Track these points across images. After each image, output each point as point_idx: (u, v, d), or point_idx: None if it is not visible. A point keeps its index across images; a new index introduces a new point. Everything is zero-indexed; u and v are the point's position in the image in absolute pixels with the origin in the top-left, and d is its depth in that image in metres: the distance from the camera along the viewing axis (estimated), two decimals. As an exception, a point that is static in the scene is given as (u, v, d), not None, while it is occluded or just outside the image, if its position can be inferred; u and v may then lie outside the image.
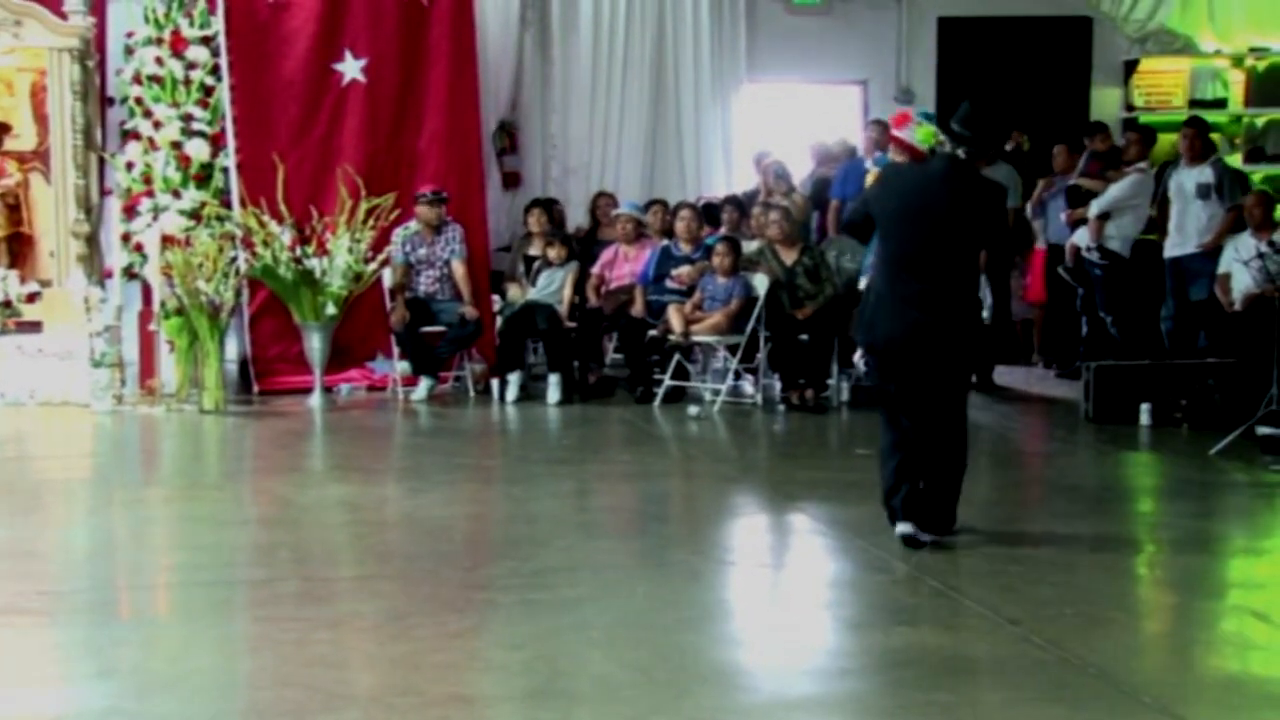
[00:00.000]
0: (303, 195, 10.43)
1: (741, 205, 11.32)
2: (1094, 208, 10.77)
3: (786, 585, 5.80)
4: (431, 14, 10.80)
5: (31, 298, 10.36)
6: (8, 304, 10.24)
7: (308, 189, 10.50)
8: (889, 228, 6.03)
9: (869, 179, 6.99)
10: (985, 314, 11.57)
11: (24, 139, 10.89)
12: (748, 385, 10.35)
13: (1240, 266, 9.34)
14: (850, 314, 9.56)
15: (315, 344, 10.17)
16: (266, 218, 10.19)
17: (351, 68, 10.69)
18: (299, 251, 10.14)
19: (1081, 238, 10.93)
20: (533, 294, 10.59)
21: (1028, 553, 5.95)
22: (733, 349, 9.99)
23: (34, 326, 10.16)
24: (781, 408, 9.92)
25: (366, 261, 10.27)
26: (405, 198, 10.58)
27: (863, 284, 6.58)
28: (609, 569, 5.73)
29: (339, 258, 10.09)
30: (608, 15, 12.47)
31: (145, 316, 10.05)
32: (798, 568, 6.12)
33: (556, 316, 10.38)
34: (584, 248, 11.18)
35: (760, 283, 9.96)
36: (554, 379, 10.21)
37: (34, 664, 4.55)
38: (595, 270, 10.80)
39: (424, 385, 10.39)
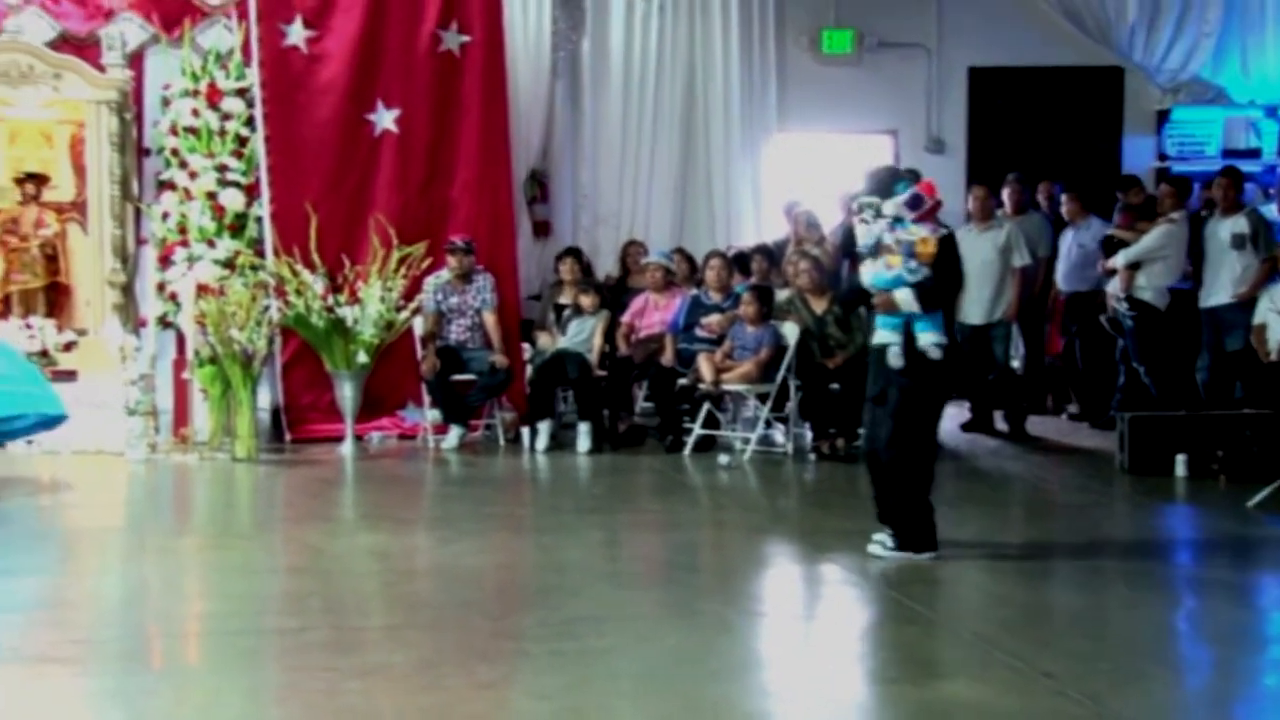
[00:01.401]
0: (335, 244, 10.49)
1: (771, 254, 11.33)
2: (1121, 258, 10.73)
3: (818, 636, 5.76)
4: (463, 65, 10.89)
5: (68, 346, 10.43)
6: (45, 353, 10.31)
7: (340, 238, 10.56)
8: None
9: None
10: (1016, 363, 11.60)
11: (62, 190, 11.01)
12: (778, 434, 10.33)
13: (1275, 317, 9.27)
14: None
15: (347, 392, 10.21)
16: (299, 267, 10.26)
17: (384, 118, 10.78)
18: (331, 300, 10.20)
19: (1114, 288, 10.90)
20: (563, 342, 10.62)
21: (1063, 604, 5.90)
22: (763, 398, 9.98)
23: (70, 375, 10.22)
24: (812, 457, 9.89)
25: (398, 310, 10.32)
26: (437, 246, 10.63)
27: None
28: (639, 619, 5.70)
29: (371, 306, 10.14)
30: (638, 65, 12.56)
31: (179, 365, 10.12)
32: (829, 619, 6.08)
33: (587, 365, 10.40)
34: (614, 296, 11.21)
35: (790, 332, 9.96)
36: (584, 427, 10.21)
37: (66, 713, 4.55)
38: (625, 319, 10.81)
39: (454, 434, 10.41)
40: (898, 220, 6.51)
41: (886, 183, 6.67)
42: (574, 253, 11.37)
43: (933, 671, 4.97)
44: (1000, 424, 11.02)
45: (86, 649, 5.22)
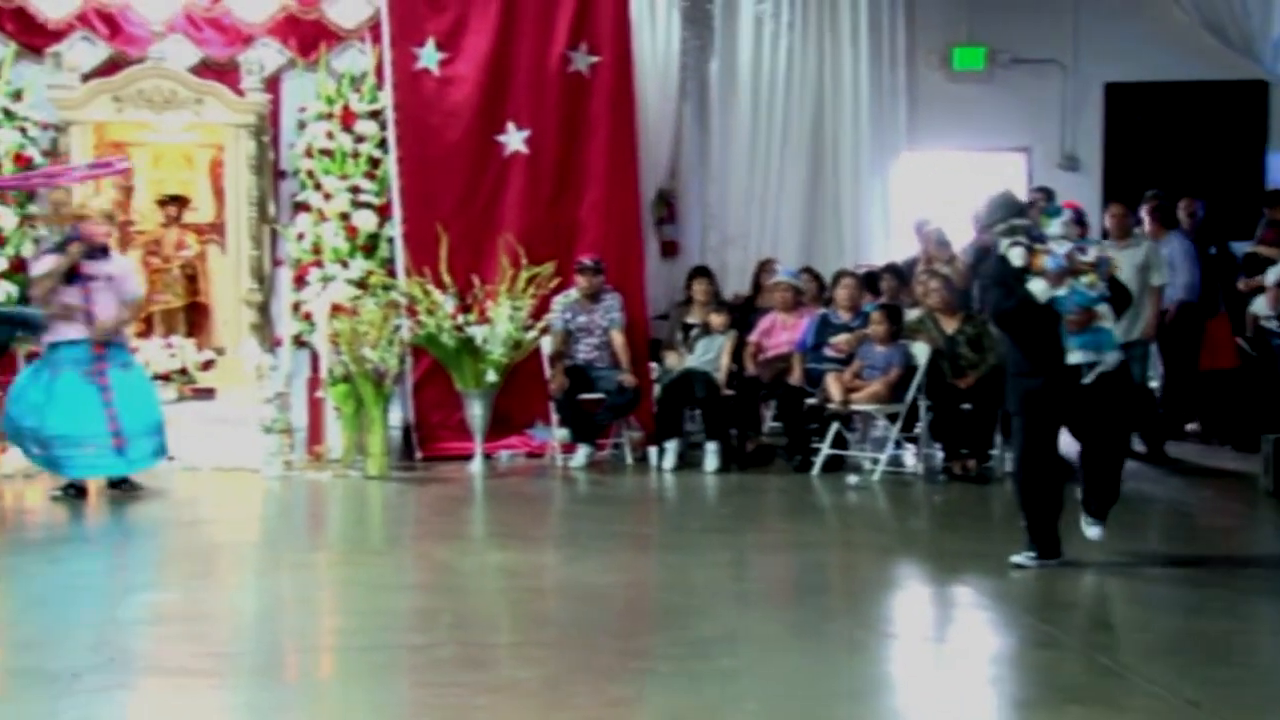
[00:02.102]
0: (465, 264, 10.59)
1: (901, 273, 11.21)
2: (1271, 275, 10.44)
3: (950, 659, 5.65)
4: (592, 85, 10.95)
5: (207, 365, 10.67)
6: (184, 371, 10.56)
7: (470, 258, 10.66)
8: None
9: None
10: (1155, 384, 11.34)
11: (202, 212, 11.27)
12: (908, 455, 10.20)
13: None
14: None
15: (476, 411, 10.29)
16: (430, 286, 10.37)
17: (514, 139, 10.87)
18: (461, 319, 10.29)
19: (1260, 307, 10.60)
20: (691, 362, 10.60)
21: (1205, 630, 5.73)
22: (892, 418, 9.87)
23: (208, 393, 10.45)
24: (943, 478, 9.76)
25: (526, 329, 10.38)
26: (565, 266, 10.69)
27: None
28: (767, 640, 5.65)
29: (500, 325, 10.22)
30: (766, 85, 12.52)
31: (313, 384, 10.29)
32: (962, 642, 5.97)
33: (714, 384, 10.37)
34: (742, 315, 11.17)
35: (921, 351, 9.84)
36: (711, 447, 10.18)
37: (202, 724, 4.63)
38: (753, 338, 10.77)
39: (582, 452, 10.44)
40: (1071, 240, 6.61)
41: (1017, 205, 6.70)
42: (706, 273, 11.35)
43: (1070, 697, 4.85)
44: (1138, 445, 10.77)
45: (223, 662, 5.31)
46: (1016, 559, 6.80)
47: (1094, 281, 6.62)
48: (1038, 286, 6.65)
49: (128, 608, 6.19)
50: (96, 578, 6.89)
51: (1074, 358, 6.66)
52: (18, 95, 10.65)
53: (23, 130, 10.60)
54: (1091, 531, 6.92)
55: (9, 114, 10.56)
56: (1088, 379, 6.60)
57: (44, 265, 8.82)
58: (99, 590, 6.58)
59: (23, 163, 10.45)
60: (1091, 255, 6.65)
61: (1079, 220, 6.64)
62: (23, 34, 10.77)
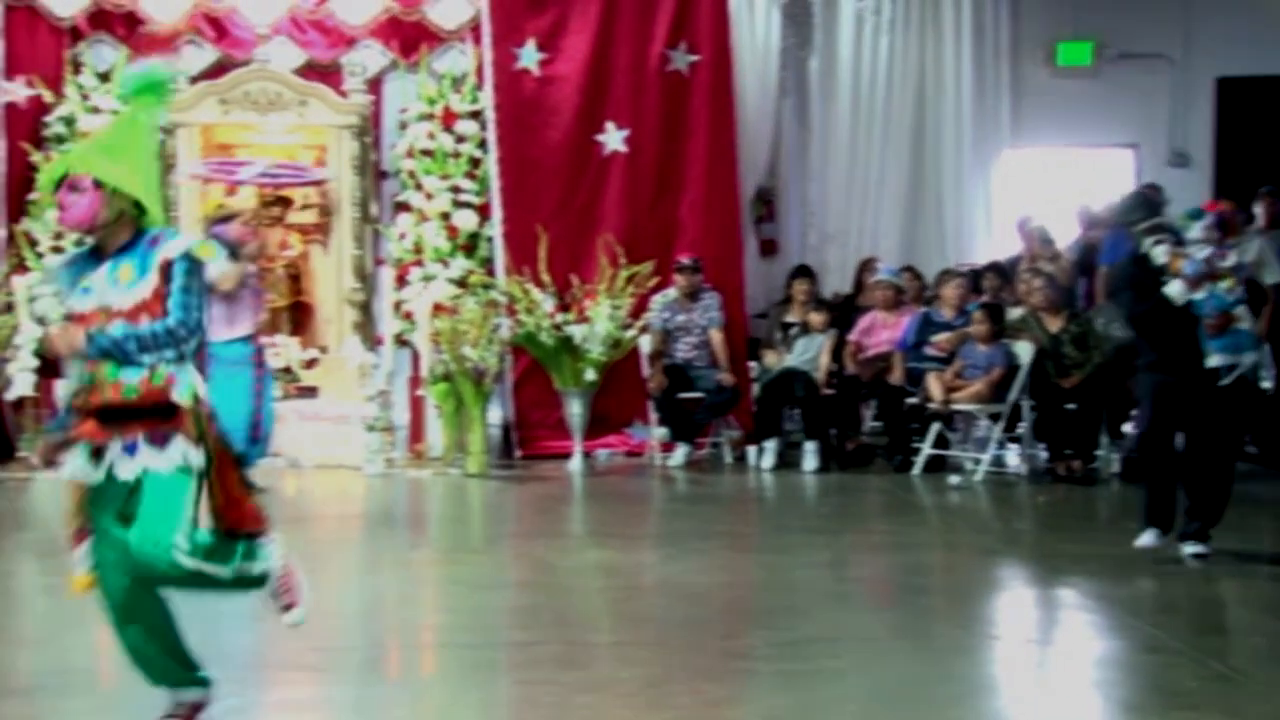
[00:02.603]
0: (564, 263, 10.63)
1: (1004, 271, 11.08)
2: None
3: (1055, 663, 5.58)
4: (692, 84, 10.94)
5: (310, 364, 10.79)
6: (288, 370, 10.69)
7: (569, 257, 10.70)
8: None
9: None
10: (1268, 384, 11.08)
11: (305, 212, 11.40)
12: (1011, 455, 10.08)
13: None
14: (1120, 383, 9.26)
15: (575, 410, 10.32)
16: (529, 285, 10.42)
17: (613, 138, 10.89)
18: (560, 319, 10.33)
19: None
20: (790, 361, 10.56)
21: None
22: (995, 418, 9.75)
23: (311, 391, 10.57)
24: (1047, 479, 9.63)
25: (625, 328, 10.39)
26: (664, 265, 10.69)
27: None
28: (869, 641, 5.62)
29: (599, 324, 10.24)
30: (867, 82, 12.41)
31: (414, 382, 10.38)
32: (1067, 645, 5.89)
33: (814, 383, 10.32)
34: (842, 314, 11.10)
35: (1024, 350, 9.72)
36: (811, 446, 10.13)
37: (312, 719, 4.68)
38: (853, 337, 10.69)
39: (681, 451, 10.44)
40: (1211, 244, 6.59)
41: (1155, 203, 6.65)
42: (806, 272, 11.29)
43: (1180, 703, 4.76)
44: (1250, 447, 10.54)
45: (328, 658, 5.37)
46: (1140, 542, 6.77)
47: (1232, 285, 6.58)
48: (1174, 289, 6.58)
49: (233, 602, 6.27)
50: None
51: (1213, 361, 6.60)
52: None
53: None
54: (1192, 549, 6.82)
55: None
56: (1226, 380, 6.53)
57: (223, 267, 8.79)
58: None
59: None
60: (1231, 260, 6.58)
61: (1223, 223, 6.56)
62: (133, 38, 10.97)
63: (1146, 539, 6.84)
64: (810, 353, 10.54)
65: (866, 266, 11.64)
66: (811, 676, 5.02)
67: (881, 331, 10.64)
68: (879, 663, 5.26)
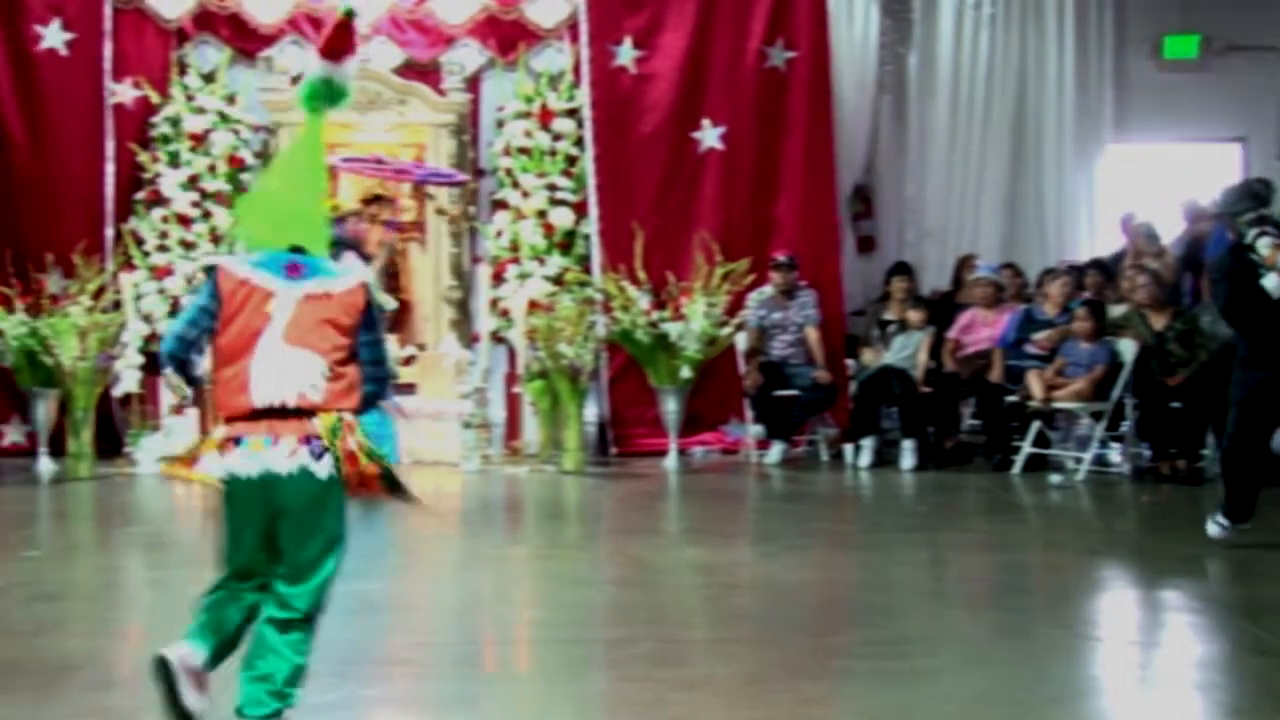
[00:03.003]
0: (660, 260, 10.64)
1: (1106, 268, 10.92)
2: None
3: (1159, 665, 5.48)
4: (789, 80, 10.91)
5: (408, 361, 10.88)
6: (386, 367, 10.77)
7: (665, 254, 10.71)
8: None
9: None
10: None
11: (409, 214, 11.50)
12: (1114, 454, 9.93)
13: None
14: (1226, 380, 9.07)
15: (671, 407, 10.32)
16: (625, 283, 10.43)
17: (710, 135, 10.88)
18: (656, 316, 10.33)
19: None
20: (887, 358, 10.48)
21: None
22: (1097, 416, 9.61)
23: (409, 389, 10.66)
24: (1150, 479, 9.47)
25: (721, 326, 10.37)
26: (760, 263, 10.66)
27: None
28: (967, 640, 5.55)
29: (694, 322, 10.23)
30: (967, 77, 12.29)
31: (510, 379, 10.44)
32: (1171, 646, 5.78)
33: (911, 381, 10.23)
34: (940, 311, 11.00)
35: (1127, 348, 9.57)
36: (908, 444, 10.05)
37: (410, 714, 4.73)
38: (952, 334, 10.59)
39: (777, 449, 10.40)
40: None
41: (1261, 195, 6.53)
42: (905, 269, 11.21)
43: (1287, 708, 4.67)
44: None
45: (426, 652, 5.42)
46: (1211, 529, 6.79)
47: None
48: (1271, 282, 6.46)
49: (334, 596, 6.35)
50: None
51: None
52: (231, 99, 11.03)
53: (236, 133, 10.97)
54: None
55: (224, 117, 10.94)
56: None
57: (361, 269, 8.89)
58: (306, 579, 6.76)
59: (236, 164, 10.80)
60: None
61: None
62: (237, 39, 11.14)
63: (1217, 529, 6.89)
64: (908, 350, 10.46)
65: (965, 263, 11.52)
66: (908, 676, 4.97)
67: (981, 329, 10.53)
68: (977, 663, 5.20)
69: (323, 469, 4.13)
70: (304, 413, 4.09)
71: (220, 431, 4.19)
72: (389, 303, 9.99)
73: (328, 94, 4.42)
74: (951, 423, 10.60)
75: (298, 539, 4.24)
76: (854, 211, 12.16)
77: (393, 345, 10.89)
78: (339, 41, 4.43)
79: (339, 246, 8.85)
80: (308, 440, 4.10)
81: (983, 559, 7.38)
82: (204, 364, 4.36)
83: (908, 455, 10.04)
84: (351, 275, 4.30)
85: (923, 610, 6.05)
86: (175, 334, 4.22)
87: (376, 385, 4.31)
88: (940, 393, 10.37)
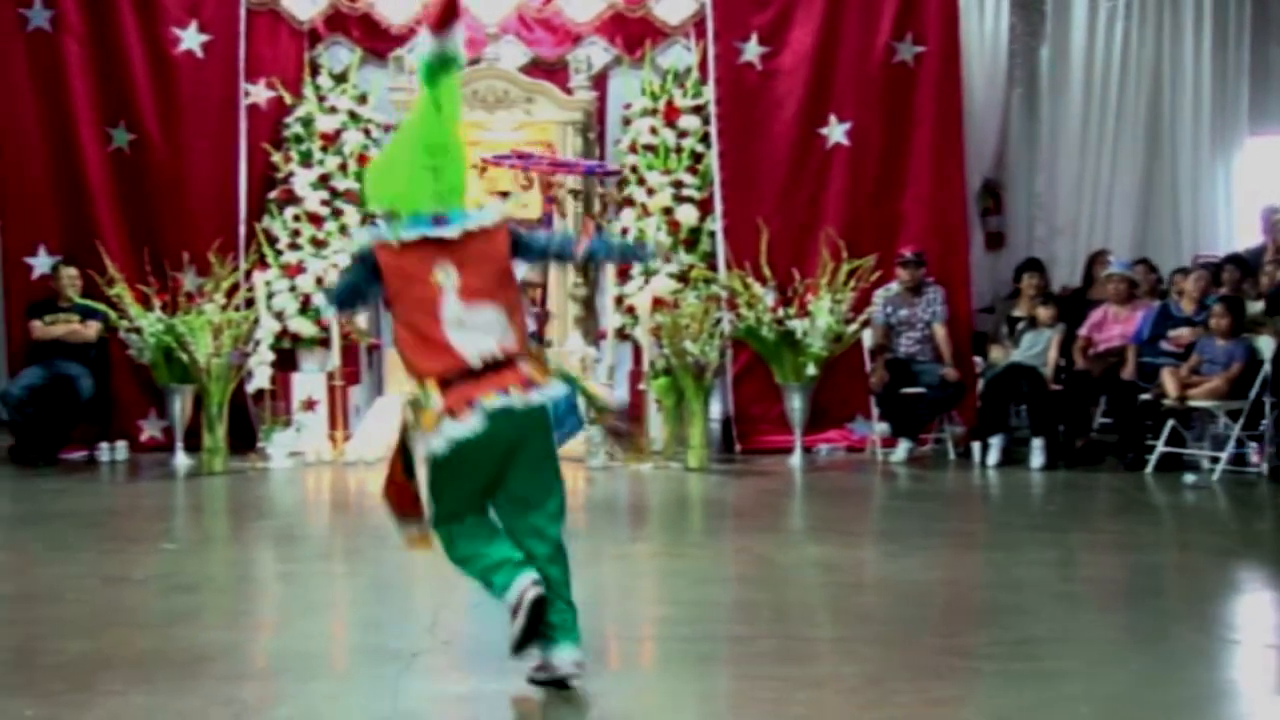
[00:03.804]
0: (785, 257, 10.60)
1: (1245, 264, 10.65)
2: None
3: (1299, 671, 5.34)
4: (917, 75, 10.79)
5: (534, 357, 10.95)
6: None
7: (790, 251, 10.66)
8: None
9: None
10: None
11: (531, 208, 11.59)
12: (1252, 454, 9.68)
13: None
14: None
15: (796, 404, 10.27)
16: (750, 280, 10.40)
17: (836, 131, 10.81)
18: (781, 313, 10.29)
19: None
20: (1016, 356, 10.33)
21: None
22: (1234, 415, 9.38)
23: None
24: (1291, 479, 9.24)
25: (847, 323, 10.30)
26: (886, 259, 10.56)
27: None
28: (1099, 642, 5.44)
29: (820, 319, 10.17)
30: (1100, 70, 12.06)
31: (635, 376, 10.46)
32: (1312, 653, 5.63)
33: (1041, 379, 10.08)
34: (1071, 308, 10.81)
35: (1266, 345, 9.32)
36: (1038, 443, 9.90)
37: (535, 708, 4.75)
38: (1083, 331, 10.41)
39: (903, 447, 10.31)
40: None
41: None
42: (1037, 266, 11.04)
43: None
44: None
45: (549, 646, 5.43)
46: None
47: None
48: None
49: (460, 592, 6.40)
50: (431, 563, 7.14)
51: None
52: (363, 99, 11.20)
53: (366, 132, 11.14)
54: None
55: (354, 116, 11.11)
56: None
57: (524, 269, 8.98)
58: (434, 575, 6.80)
59: (366, 163, 10.95)
60: None
61: None
62: (367, 39, 11.31)
63: None
64: (1037, 347, 10.29)
65: (1098, 259, 11.32)
66: (1039, 678, 4.89)
67: (1113, 326, 10.34)
68: (1110, 665, 5.10)
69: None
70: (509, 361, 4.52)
71: (436, 401, 4.46)
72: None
73: (441, 64, 4.69)
74: (1082, 421, 10.41)
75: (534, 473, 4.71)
76: (983, 207, 12.01)
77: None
78: (444, 13, 4.66)
79: None
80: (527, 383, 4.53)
81: (1115, 560, 7.24)
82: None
83: (1037, 454, 9.88)
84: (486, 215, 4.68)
85: (1053, 611, 5.95)
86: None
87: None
88: (1071, 391, 10.19)
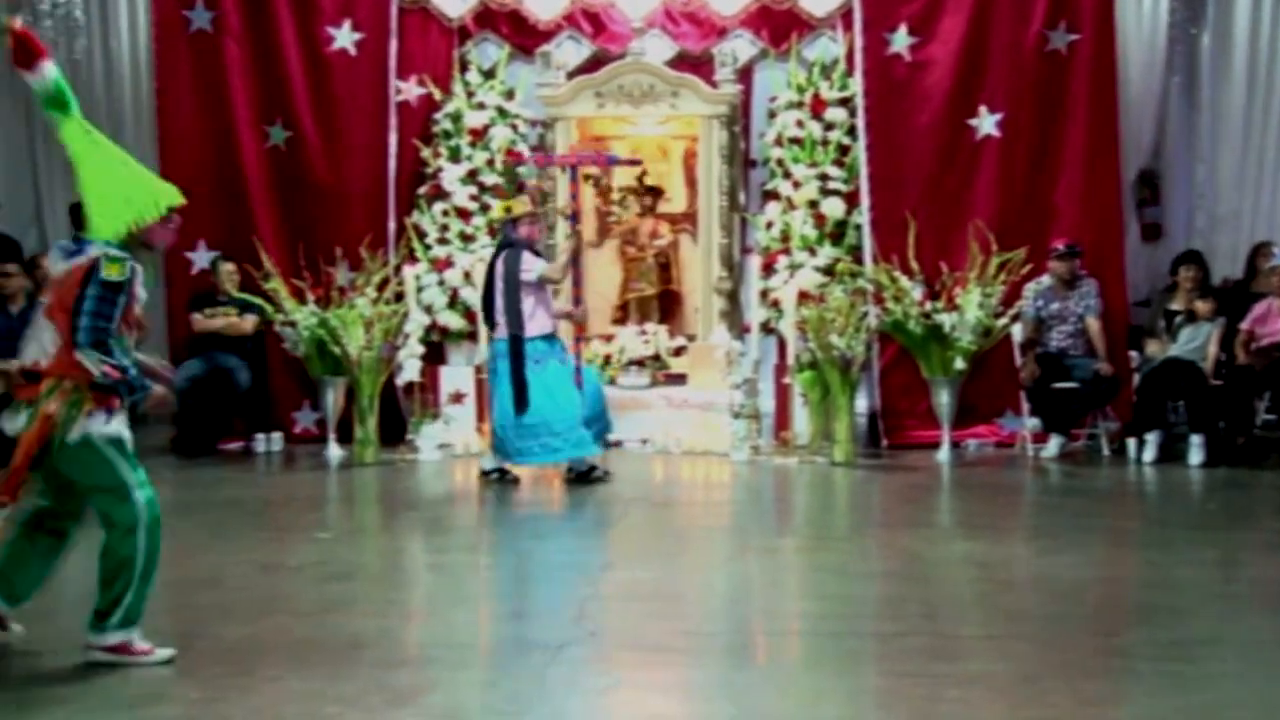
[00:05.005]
0: (933, 250, 10.46)
1: None
2: None
3: None
4: (1071, 64, 10.58)
5: (678, 351, 10.98)
6: (657, 357, 10.91)
7: (938, 244, 10.52)
8: None
9: None
10: None
11: (675, 202, 11.62)
12: None
13: None
14: None
15: (943, 399, 10.14)
16: (897, 273, 10.29)
17: (986, 122, 10.64)
18: (929, 306, 10.16)
19: None
20: (1174, 350, 10.07)
21: None
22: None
23: (679, 379, 10.75)
24: None
25: (996, 317, 10.14)
26: (1037, 252, 10.36)
27: None
28: (1260, 645, 5.29)
29: (969, 313, 10.02)
30: (1265, 56, 11.65)
31: (780, 370, 10.41)
32: None
33: (1200, 374, 9.82)
34: (1232, 301, 10.50)
35: None
36: (1196, 440, 9.64)
37: (680, 700, 4.76)
38: (1245, 325, 10.11)
39: (1054, 443, 10.12)
40: None
41: None
42: (1195, 257, 10.74)
43: None
44: None
45: (696, 641, 5.44)
46: None
47: None
48: None
49: (606, 584, 6.46)
50: (577, 554, 7.22)
51: None
52: (510, 94, 11.30)
53: (514, 128, 11.24)
54: None
55: (502, 112, 11.22)
56: None
57: (542, 267, 9.02)
58: (579, 567, 6.89)
59: (515, 158, 11.06)
60: None
61: None
62: (515, 36, 11.42)
63: None
64: (1196, 341, 10.03)
65: (1261, 251, 10.97)
66: (1198, 680, 4.76)
67: (1277, 320, 10.02)
68: (1272, 669, 4.95)
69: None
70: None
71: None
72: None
73: (49, 101, 5.01)
74: (1245, 418, 10.11)
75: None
76: (1139, 198, 11.72)
77: (663, 335, 11.01)
78: (18, 52, 4.95)
79: (515, 247, 8.98)
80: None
81: (1278, 560, 7.02)
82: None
83: (1195, 451, 9.63)
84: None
85: (1212, 612, 5.79)
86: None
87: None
88: (1232, 386, 9.92)
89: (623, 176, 11.41)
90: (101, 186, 4.99)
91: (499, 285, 8.88)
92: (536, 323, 8.88)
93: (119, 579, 4.92)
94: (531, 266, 8.87)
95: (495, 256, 9.06)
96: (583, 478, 9.03)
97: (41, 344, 4.92)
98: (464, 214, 11.07)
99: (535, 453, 8.86)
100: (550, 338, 9.01)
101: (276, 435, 10.86)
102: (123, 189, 5.01)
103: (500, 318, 8.89)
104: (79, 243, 5.02)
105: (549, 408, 8.81)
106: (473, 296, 10.54)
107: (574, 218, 9.48)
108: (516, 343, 8.82)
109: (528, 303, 8.83)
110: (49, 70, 5.00)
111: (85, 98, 12.62)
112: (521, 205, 9.18)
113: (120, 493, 4.90)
